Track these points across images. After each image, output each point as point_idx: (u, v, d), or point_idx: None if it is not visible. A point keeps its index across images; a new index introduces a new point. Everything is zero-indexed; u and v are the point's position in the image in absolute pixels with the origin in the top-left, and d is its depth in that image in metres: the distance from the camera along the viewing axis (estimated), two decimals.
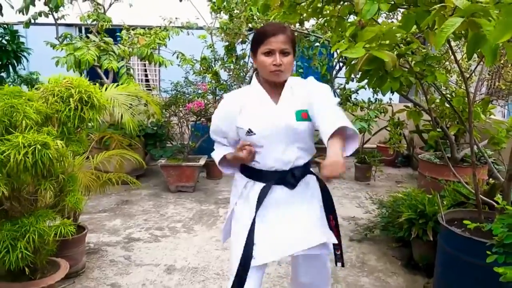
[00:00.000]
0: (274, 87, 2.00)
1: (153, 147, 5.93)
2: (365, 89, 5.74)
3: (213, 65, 5.86)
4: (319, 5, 2.98)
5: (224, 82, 5.91)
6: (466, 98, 2.79)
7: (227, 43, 5.74)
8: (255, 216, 1.95)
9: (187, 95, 5.64)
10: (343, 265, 2.17)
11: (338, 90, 6.47)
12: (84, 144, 2.51)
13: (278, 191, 1.99)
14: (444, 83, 2.56)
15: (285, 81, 2.02)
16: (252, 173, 2.02)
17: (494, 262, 1.93)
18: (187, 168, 5.29)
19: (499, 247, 1.79)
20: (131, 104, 3.76)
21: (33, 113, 2.19)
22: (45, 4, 5.23)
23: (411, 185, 5.49)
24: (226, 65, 5.80)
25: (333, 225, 2.10)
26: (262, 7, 2.91)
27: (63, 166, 2.37)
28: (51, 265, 2.73)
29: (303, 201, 2.06)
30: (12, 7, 5.10)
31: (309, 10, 3.00)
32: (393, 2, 2.35)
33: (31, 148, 2.04)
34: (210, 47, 5.89)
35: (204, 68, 5.82)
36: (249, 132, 1.93)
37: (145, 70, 9.18)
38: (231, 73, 5.83)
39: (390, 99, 6.25)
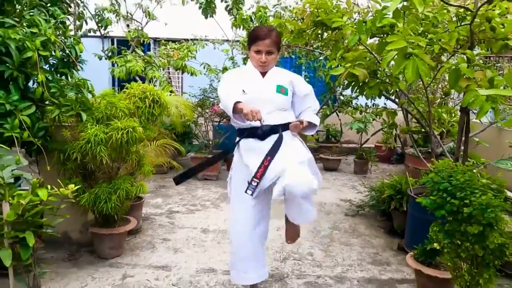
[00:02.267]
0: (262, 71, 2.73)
1: (182, 143, 6.98)
2: (361, 97, 6.80)
3: None
4: (320, 31, 4.02)
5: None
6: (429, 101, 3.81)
7: (245, 56, 6.80)
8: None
9: (212, 99, 6.71)
10: (252, 194, 2.57)
11: (340, 96, 7.52)
12: (153, 131, 3.56)
13: (252, 141, 2.68)
14: (404, 89, 3.53)
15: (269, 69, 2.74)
16: (240, 131, 2.76)
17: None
18: None
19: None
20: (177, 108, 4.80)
21: (124, 108, 3.25)
22: (97, 23, 6.34)
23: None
24: None
25: (265, 164, 2.55)
26: None
27: (141, 146, 3.42)
28: (124, 220, 3.77)
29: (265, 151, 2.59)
30: (74, 26, 6.19)
31: (312, 35, 4.04)
32: (371, 33, 3.37)
33: (126, 130, 3.10)
34: (231, 59, 6.96)
35: None
36: (243, 91, 2.61)
37: (169, 78, 10.26)
38: None
39: (385, 103, 7.24)
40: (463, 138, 3.40)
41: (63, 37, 3.56)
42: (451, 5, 3.01)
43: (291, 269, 3.53)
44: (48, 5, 3.70)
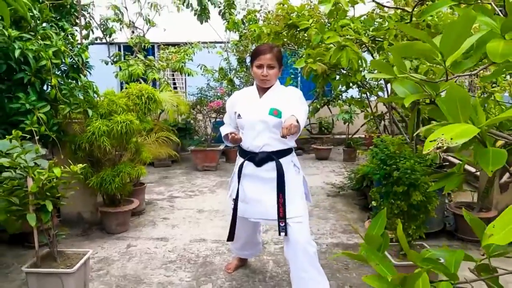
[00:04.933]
0: (264, 90, 2.76)
1: (183, 138, 7.63)
2: (352, 88, 7.35)
3: (228, 74, 7.55)
4: (295, 32, 4.59)
5: (237, 87, 7.59)
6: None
7: (238, 57, 7.42)
8: (239, 182, 2.81)
9: (209, 97, 7.33)
10: (286, 235, 2.72)
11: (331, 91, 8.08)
12: (150, 124, 4.17)
13: (248, 167, 2.77)
14: (360, 80, 4.08)
15: (272, 86, 2.75)
16: (240, 151, 2.87)
17: None
18: (211, 152, 6.98)
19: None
20: (172, 105, 5.43)
21: (123, 104, 3.88)
22: (102, 32, 7.01)
23: None
24: (238, 73, 7.48)
25: (281, 202, 2.68)
26: (256, 37, 4.56)
27: (138, 136, 4.03)
28: (128, 201, 4.40)
29: (265, 180, 2.72)
30: (81, 35, 6.87)
31: (288, 36, 4.62)
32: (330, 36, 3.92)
33: (125, 123, 3.72)
34: (226, 60, 7.58)
35: (221, 76, 7.51)
36: (239, 116, 2.74)
37: (174, 79, 10.93)
38: (242, 79, 7.51)
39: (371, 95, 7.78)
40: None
41: (71, 47, 4.19)
42: (386, 6, 3.56)
43: (271, 238, 4.11)
44: (58, 17, 4.35)
